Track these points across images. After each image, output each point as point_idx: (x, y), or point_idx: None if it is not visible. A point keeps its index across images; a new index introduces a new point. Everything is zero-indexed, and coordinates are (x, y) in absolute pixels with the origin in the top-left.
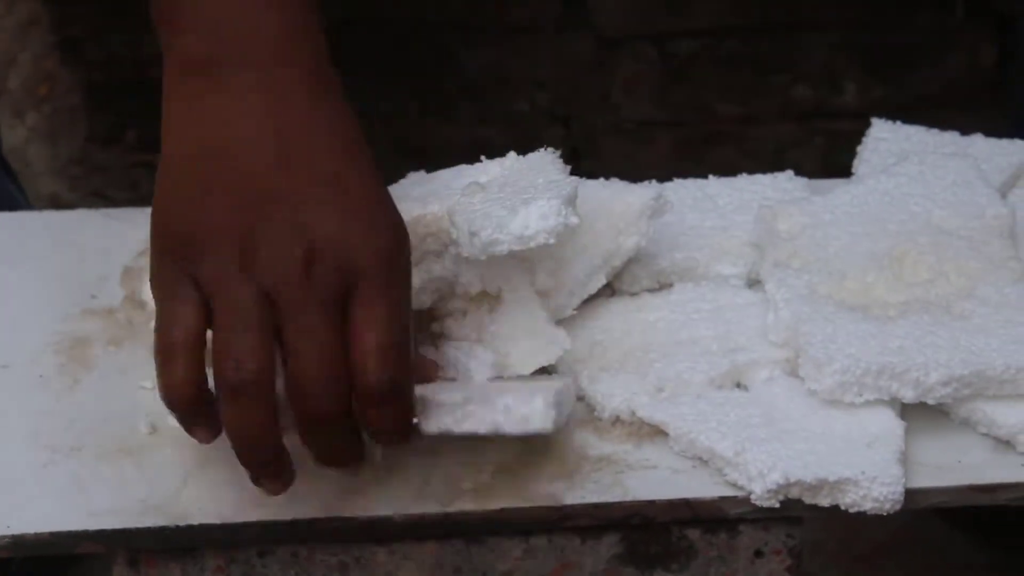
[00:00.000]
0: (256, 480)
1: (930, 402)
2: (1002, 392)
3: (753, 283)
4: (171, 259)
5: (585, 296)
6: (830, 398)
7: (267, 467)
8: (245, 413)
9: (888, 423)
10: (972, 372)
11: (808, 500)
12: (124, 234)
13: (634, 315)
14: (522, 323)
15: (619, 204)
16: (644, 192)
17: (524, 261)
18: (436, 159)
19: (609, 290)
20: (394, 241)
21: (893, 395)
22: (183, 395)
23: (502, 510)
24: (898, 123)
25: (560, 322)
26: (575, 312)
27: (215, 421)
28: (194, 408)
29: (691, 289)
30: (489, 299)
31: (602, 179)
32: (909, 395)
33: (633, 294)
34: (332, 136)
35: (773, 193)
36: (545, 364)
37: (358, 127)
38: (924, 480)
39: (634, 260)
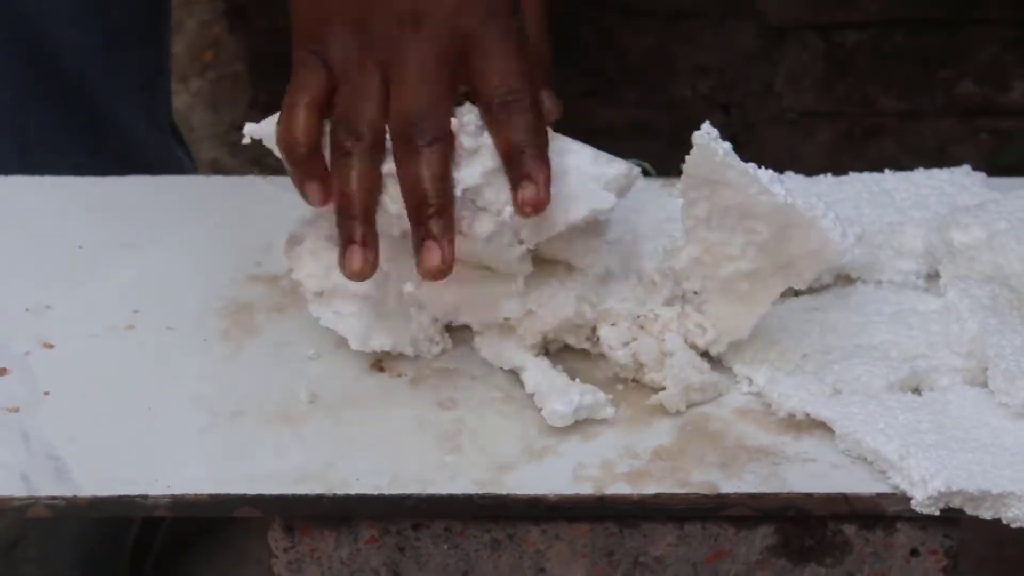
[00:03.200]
0: (344, 252)
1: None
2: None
3: (932, 278)
4: (305, 42)
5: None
6: (1022, 412)
7: (359, 232)
8: (354, 172)
9: None
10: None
11: (970, 511)
12: (290, 202)
13: (814, 315)
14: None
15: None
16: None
17: None
18: (597, 141)
19: (791, 289)
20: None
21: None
22: (299, 143)
23: (657, 495)
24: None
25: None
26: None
27: (325, 181)
28: (308, 158)
29: (872, 291)
30: None
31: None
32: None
33: (813, 291)
34: None
35: (951, 188)
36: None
37: None
38: None
39: None
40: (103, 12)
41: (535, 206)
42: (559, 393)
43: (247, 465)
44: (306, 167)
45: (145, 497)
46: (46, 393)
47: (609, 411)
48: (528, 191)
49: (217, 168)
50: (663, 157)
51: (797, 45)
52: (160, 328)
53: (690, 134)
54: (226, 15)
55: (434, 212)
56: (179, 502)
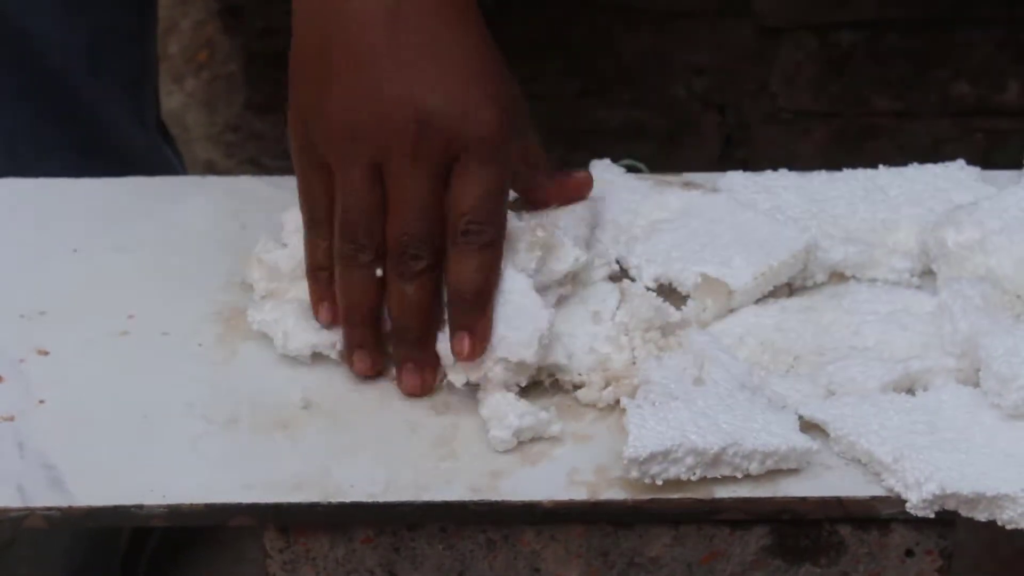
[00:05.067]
0: (352, 355)
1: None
2: None
3: (926, 276)
4: (303, 146)
5: None
6: (1014, 414)
7: (366, 338)
8: (355, 279)
9: None
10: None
11: (965, 513)
12: (285, 202)
13: (808, 316)
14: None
15: None
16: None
17: None
18: (591, 141)
19: (787, 289)
20: (498, 115)
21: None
22: (324, 268)
23: (651, 500)
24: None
25: (733, 319)
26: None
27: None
28: (329, 283)
29: (865, 290)
30: None
31: None
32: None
33: (807, 289)
34: (442, 6)
35: (945, 184)
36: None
37: None
38: None
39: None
40: (86, 11)
41: (469, 357)
42: (499, 418)
43: (242, 473)
44: (322, 291)
45: (140, 507)
46: (41, 401)
47: (555, 428)
48: (464, 343)
49: (212, 168)
50: (657, 157)
51: (792, 45)
52: (155, 333)
53: (685, 134)
54: (220, 15)
55: (417, 340)
56: (175, 512)
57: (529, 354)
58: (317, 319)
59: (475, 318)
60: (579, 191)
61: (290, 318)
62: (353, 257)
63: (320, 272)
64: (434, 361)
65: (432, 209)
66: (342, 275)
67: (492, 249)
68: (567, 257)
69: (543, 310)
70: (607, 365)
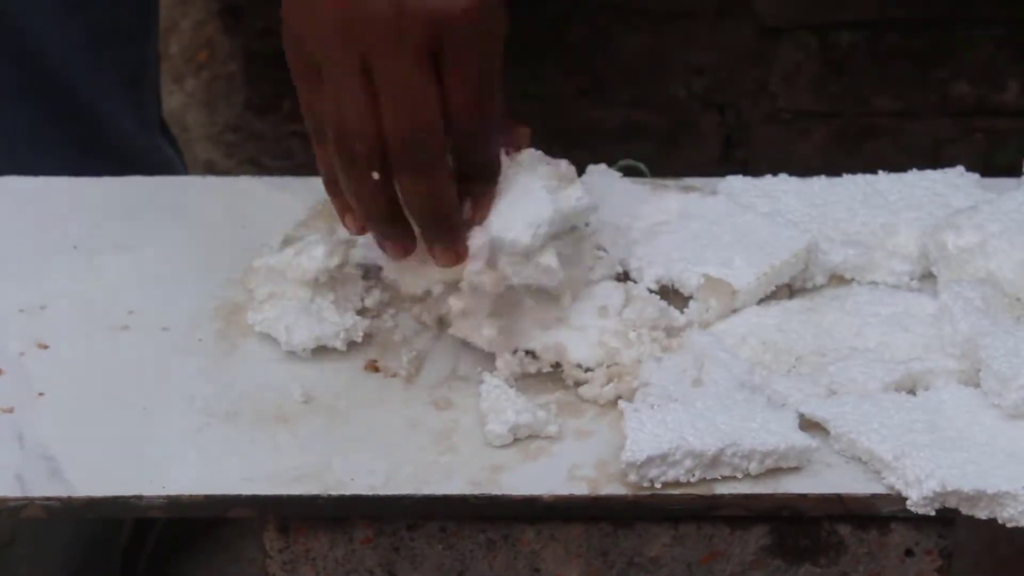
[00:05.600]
0: (382, 248)
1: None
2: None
3: (926, 279)
4: (296, 55)
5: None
6: (1014, 413)
7: (384, 229)
8: (359, 183)
9: None
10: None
11: (965, 511)
12: (285, 202)
13: (809, 317)
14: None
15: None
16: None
17: None
18: (590, 141)
19: (787, 291)
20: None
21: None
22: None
23: (652, 496)
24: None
25: (735, 320)
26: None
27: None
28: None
29: (867, 292)
30: None
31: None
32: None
33: (807, 291)
34: None
35: (944, 189)
36: None
37: None
38: None
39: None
40: (85, 10)
41: (477, 219)
42: (496, 412)
43: (242, 465)
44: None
45: (140, 498)
46: (40, 394)
47: (552, 428)
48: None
49: (212, 168)
50: (657, 158)
51: (791, 45)
52: (155, 328)
53: (685, 134)
54: (220, 15)
55: (440, 226)
56: (174, 503)
57: (527, 235)
58: (346, 229)
59: (486, 190)
60: (517, 144)
61: (291, 314)
62: (352, 162)
63: (334, 184)
64: (461, 232)
65: (424, 100)
66: (346, 182)
67: (494, 141)
68: (574, 194)
69: (548, 204)
70: (616, 359)
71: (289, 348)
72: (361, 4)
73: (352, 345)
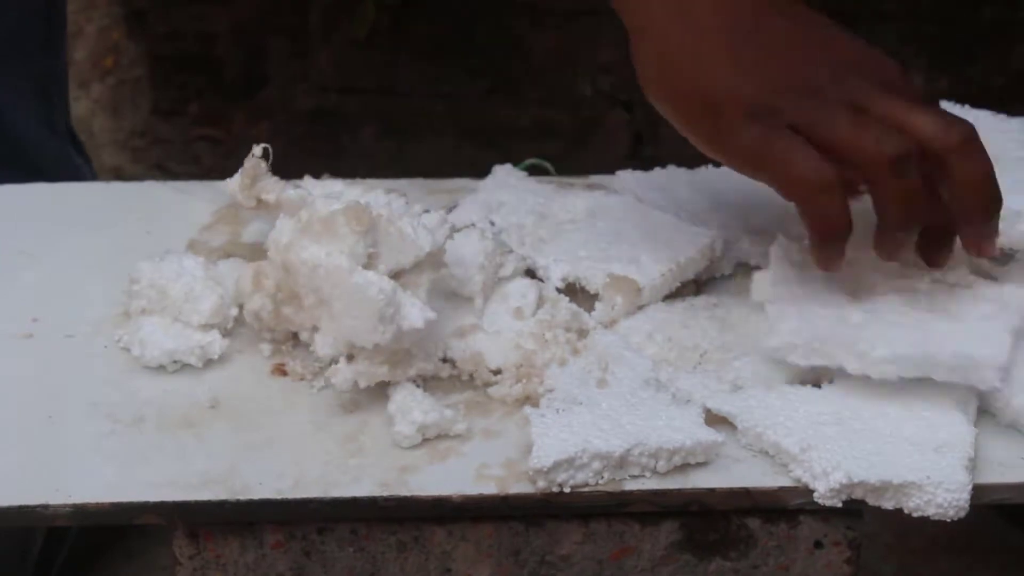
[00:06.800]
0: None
1: (874, 376)
2: (952, 378)
3: None
4: (757, 114)
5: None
6: (775, 356)
7: (838, 243)
8: (830, 204)
9: (958, 429)
10: (921, 353)
11: (872, 502)
12: (191, 207)
13: (715, 312)
14: None
15: None
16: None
17: None
18: (499, 141)
19: (693, 286)
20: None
21: (838, 364)
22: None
23: (560, 494)
24: (966, 107)
25: (641, 317)
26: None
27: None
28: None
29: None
30: None
31: None
32: (853, 366)
33: (714, 284)
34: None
35: None
36: None
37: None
38: (986, 476)
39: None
40: None
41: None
42: (404, 413)
43: (149, 472)
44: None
45: (46, 507)
46: None
47: (460, 426)
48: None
49: (119, 174)
50: (567, 156)
51: None
52: (59, 336)
53: (593, 133)
54: (125, 20)
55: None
56: (80, 511)
57: (378, 337)
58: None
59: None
60: None
61: (144, 329)
62: (824, 186)
63: (838, 241)
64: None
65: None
66: (814, 204)
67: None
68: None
69: (379, 289)
70: (531, 360)
71: (144, 364)
72: (848, 59)
73: (259, 350)
